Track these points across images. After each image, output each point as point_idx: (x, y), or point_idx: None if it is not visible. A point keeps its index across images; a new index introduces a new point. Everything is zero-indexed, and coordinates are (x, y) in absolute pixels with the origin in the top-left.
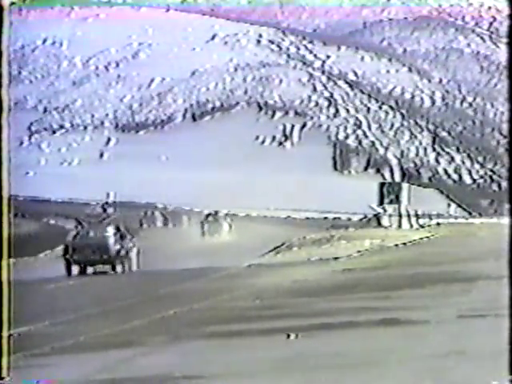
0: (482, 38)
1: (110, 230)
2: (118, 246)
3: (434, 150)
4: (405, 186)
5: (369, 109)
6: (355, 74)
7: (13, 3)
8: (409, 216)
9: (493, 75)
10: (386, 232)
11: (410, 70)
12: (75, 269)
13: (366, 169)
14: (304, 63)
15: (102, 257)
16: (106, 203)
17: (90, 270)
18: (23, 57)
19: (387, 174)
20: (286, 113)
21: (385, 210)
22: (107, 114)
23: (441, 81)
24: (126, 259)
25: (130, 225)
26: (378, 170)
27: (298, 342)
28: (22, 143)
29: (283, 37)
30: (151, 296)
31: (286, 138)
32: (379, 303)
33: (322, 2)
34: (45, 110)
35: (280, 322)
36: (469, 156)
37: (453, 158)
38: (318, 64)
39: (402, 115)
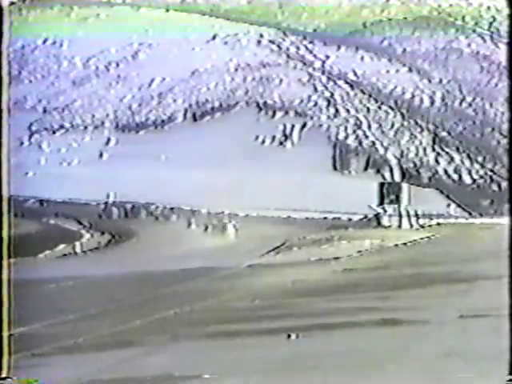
0: (482, 38)
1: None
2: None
3: (434, 150)
4: (405, 186)
5: (369, 109)
6: (355, 74)
7: (13, 3)
8: (409, 216)
9: (493, 75)
10: (386, 232)
11: (410, 69)
12: None
13: (365, 169)
14: (304, 63)
15: None
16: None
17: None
18: (23, 57)
19: (387, 174)
20: (286, 113)
21: (385, 210)
22: (107, 114)
23: (441, 81)
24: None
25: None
26: (378, 170)
27: (298, 341)
28: (22, 143)
29: (283, 37)
30: (151, 296)
31: (286, 137)
32: (379, 303)
33: (322, 2)
34: (45, 110)
35: (280, 321)
36: (469, 156)
37: (453, 158)
38: (318, 64)
39: (402, 115)
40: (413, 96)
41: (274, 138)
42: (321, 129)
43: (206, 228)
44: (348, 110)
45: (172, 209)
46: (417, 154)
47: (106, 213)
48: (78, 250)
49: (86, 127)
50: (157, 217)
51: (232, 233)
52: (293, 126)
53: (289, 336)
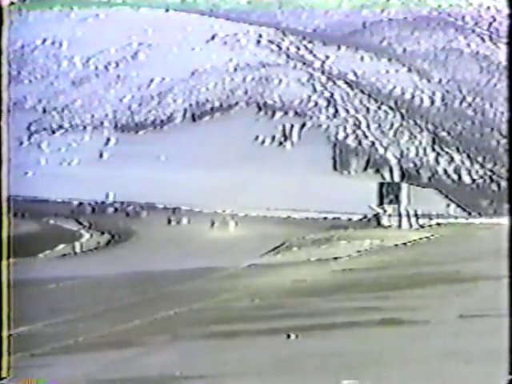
0: (481, 38)
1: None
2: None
3: (434, 150)
4: (404, 186)
5: (368, 109)
6: (355, 74)
7: (13, 3)
8: (408, 216)
9: (493, 75)
10: (386, 232)
11: (409, 70)
12: None
13: (365, 169)
14: (304, 63)
15: None
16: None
17: None
18: (23, 57)
19: (387, 174)
20: (286, 113)
21: (384, 210)
22: (107, 114)
23: (440, 81)
24: None
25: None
26: (378, 170)
27: (298, 342)
28: (21, 143)
29: (283, 37)
30: (151, 296)
31: (286, 138)
32: (379, 303)
33: (322, 3)
34: (44, 110)
35: (280, 321)
36: (468, 156)
37: (452, 158)
38: (317, 64)
39: (402, 115)
40: (412, 96)
41: (273, 138)
42: (320, 129)
43: (206, 227)
44: (347, 110)
45: (172, 209)
46: (417, 154)
47: (105, 212)
48: (77, 249)
49: (85, 127)
50: (155, 216)
51: (232, 232)
52: (292, 126)
53: (288, 336)
